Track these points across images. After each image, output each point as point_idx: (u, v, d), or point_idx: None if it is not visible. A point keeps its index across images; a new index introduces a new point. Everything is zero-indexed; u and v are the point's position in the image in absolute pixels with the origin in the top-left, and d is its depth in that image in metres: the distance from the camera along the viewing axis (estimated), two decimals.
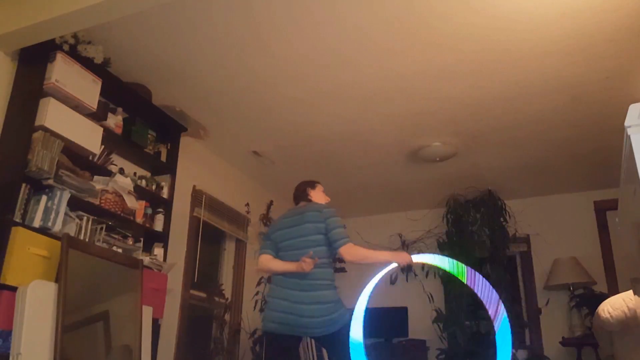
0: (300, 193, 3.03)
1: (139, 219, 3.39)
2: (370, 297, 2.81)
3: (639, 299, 2.60)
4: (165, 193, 3.68)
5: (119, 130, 3.35)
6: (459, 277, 2.63)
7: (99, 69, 3.10)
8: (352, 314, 2.69)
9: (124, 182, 3.20)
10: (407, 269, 5.75)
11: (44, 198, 2.65)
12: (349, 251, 2.66)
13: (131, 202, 3.24)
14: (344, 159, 4.77)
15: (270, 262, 2.81)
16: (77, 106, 2.93)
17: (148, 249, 3.44)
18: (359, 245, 2.73)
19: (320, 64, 3.34)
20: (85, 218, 2.91)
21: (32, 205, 2.64)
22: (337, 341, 2.65)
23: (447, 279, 5.30)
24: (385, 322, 5.30)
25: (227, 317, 4.56)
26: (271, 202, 5.51)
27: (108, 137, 3.19)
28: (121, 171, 3.31)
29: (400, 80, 3.50)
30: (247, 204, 5.07)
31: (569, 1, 2.73)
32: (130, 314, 2.91)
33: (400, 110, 3.90)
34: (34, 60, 2.86)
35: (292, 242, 2.78)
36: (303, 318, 2.60)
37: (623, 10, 2.78)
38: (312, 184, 3.07)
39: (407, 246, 5.80)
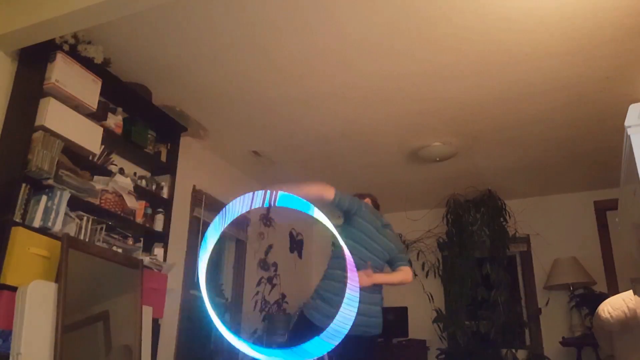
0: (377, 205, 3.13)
1: (139, 219, 3.39)
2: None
3: (639, 299, 2.60)
4: (165, 193, 3.68)
5: (119, 130, 3.35)
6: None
7: (99, 69, 3.10)
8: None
9: (124, 182, 3.20)
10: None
11: (44, 198, 2.65)
12: (409, 272, 2.91)
13: (131, 202, 3.24)
14: (344, 159, 4.76)
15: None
16: (77, 106, 2.93)
17: (148, 249, 3.43)
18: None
19: (320, 64, 3.33)
20: (85, 218, 2.91)
21: (32, 205, 2.64)
22: (374, 343, 2.83)
23: (448, 279, 5.31)
24: (385, 322, 5.28)
25: (227, 317, 4.56)
26: None
27: (108, 137, 3.19)
28: (121, 171, 3.31)
29: (400, 80, 3.50)
30: None
31: (569, 1, 2.73)
32: (130, 314, 2.91)
33: (400, 110, 3.90)
34: (34, 60, 2.86)
35: (377, 248, 2.79)
36: (371, 318, 2.71)
37: (623, 10, 2.78)
38: None
39: (407, 246, 5.80)
